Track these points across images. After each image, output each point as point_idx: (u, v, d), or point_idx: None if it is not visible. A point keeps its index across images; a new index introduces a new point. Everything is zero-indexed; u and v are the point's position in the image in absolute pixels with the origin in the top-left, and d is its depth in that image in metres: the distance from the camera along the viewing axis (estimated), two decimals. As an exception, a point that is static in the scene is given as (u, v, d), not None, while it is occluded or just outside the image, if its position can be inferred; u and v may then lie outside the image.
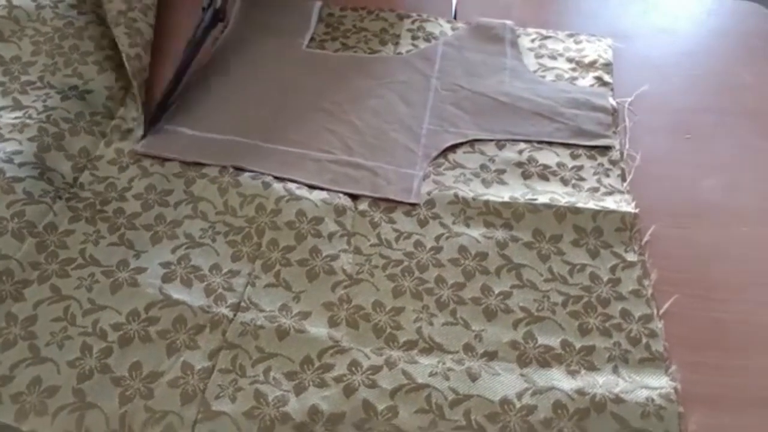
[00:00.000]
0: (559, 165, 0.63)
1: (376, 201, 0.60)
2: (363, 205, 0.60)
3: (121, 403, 0.47)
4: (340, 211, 0.59)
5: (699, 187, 0.62)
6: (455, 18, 0.82)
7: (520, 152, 0.64)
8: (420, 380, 0.49)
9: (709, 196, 0.62)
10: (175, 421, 0.46)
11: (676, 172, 0.63)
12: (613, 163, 0.64)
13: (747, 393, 0.49)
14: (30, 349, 0.49)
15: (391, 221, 0.58)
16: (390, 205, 0.60)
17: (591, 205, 0.59)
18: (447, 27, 0.79)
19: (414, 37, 0.77)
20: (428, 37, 0.77)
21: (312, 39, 0.78)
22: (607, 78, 0.72)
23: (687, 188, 0.62)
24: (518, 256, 0.56)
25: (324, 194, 0.60)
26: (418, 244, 0.57)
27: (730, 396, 0.49)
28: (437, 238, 0.57)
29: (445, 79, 0.72)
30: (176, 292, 0.53)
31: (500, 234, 0.58)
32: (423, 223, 0.58)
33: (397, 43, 0.77)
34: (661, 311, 0.53)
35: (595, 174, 0.63)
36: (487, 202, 0.60)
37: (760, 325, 0.52)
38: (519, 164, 0.63)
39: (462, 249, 0.57)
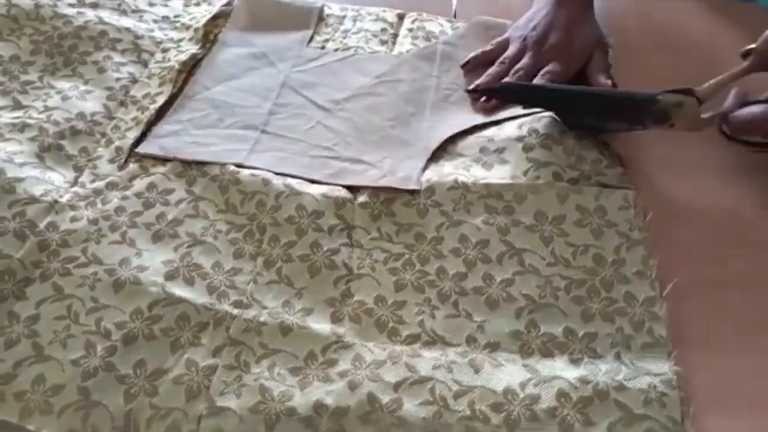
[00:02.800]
0: (562, 132, 0.63)
1: (375, 192, 0.60)
2: (363, 197, 0.59)
3: (126, 401, 0.47)
4: (339, 204, 0.58)
5: (699, 186, 0.62)
6: (455, 17, 0.81)
7: (520, 126, 0.64)
8: (424, 373, 0.48)
9: (709, 195, 0.61)
10: (180, 418, 0.46)
11: (676, 172, 0.63)
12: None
13: (747, 394, 0.49)
14: (33, 347, 0.49)
15: (391, 214, 0.58)
16: (389, 195, 0.59)
17: (593, 182, 0.59)
18: (447, 26, 0.79)
19: (414, 37, 0.77)
20: (428, 36, 0.77)
21: (312, 38, 0.77)
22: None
23: (687, 188, 0.62)
24: (520, 241, 0.56)
25: (324, 188, 0.60)
26: (418, 236, 0.57)
27: (730, 397, 0.48)
28: (437, 228, 0.57)
29: (445, 78, 0.72)
30: (179, 290, 0.52)
31: (501, 219, 0.57)
32: (423, 213, 0.58)
33: (396, 43, 0.77)
34: (661, 310, 0.52)
35: (596, 145, 0.63)
36: (487, 185, 0.59)
37: (761, 326, 0.52)
38: (519, 138, 0.63)
39: (463, 238, 0.56)
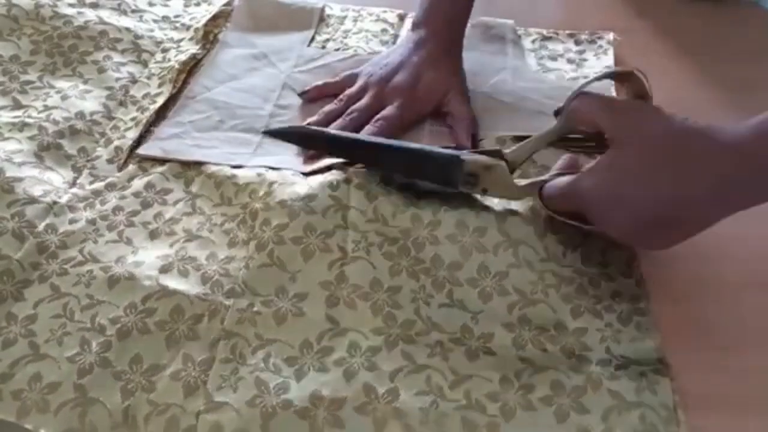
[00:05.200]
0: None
1: (372, 174, 0.57)
2: (358, 179, 0.57)
3: (124, 398, 0.45)
4: (334, 186, 0.56)
5: None
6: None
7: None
8: (419, 361, 0.47)
9: None
10: (178, 413, 0.45)
11: None
12: None
13: (747, 393, 0.47)
14: (30, 346, 0.48)
15: (387, 193, 0.56)
16: (387, 178, 0.57)
17: None
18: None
19: None
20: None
21: (313, 38, 0.76)
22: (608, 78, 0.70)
23: None
24: (516, 231, 0.54)
25: (319, 177, 0.57)
26: (415, 218, 0.54)
27: (730, 396, 0.47)
28: (435, 212, 0.55)
29: None
30: (173, 282, 0.51)
31: (499, 208, 0.55)
32: (421, 196, 0.56)
33: (397, 44, 0.74)
34: (659, 312, 0.51)
35: None
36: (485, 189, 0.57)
37: (760, 326, 0.51)
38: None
39: (460, 223, 0.54)
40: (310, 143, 0.60)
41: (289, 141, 0.60)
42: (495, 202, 0.56)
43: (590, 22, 0.78)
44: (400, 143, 0.58)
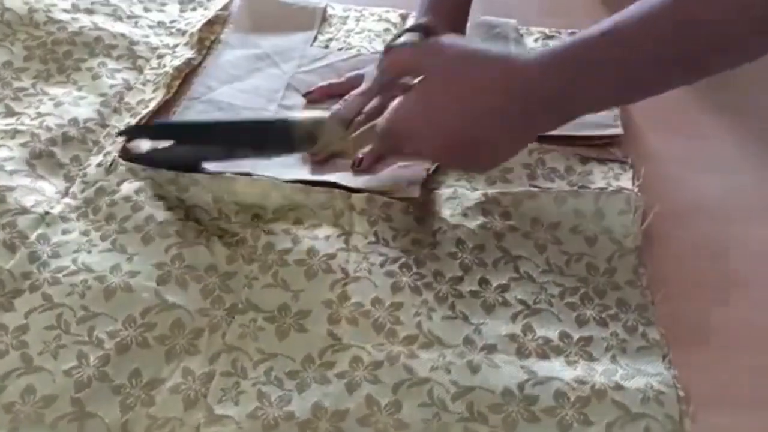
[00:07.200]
0: (568, 169, 0.60)
1: (373, 198, 0.56)
2: (361, 204, 0.56)
3: (123, 412, 0.43)
4: (338, 214, 0.55)
5: (699, 186, 0.60)
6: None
7: (530, 153, 0.61)
8: (422, 374, 0.46)
9: (709, 195, 0.59)
10: (178, 427, 0.43)
11: (676, 171, 0.61)
12: (624, 168, 0.60)
13: (746, 393, 0.47)
14: (22, 358, 0.45)
15: (388, 219, 0.55)
16: (387, 200, 0.56)
17: (594, 188, 0.57)
18: (450, 27, 0.75)
19: None
20: (431, 36, 0.74)
21: (315, 38, 0.74)
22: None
23: (687, 188, 0.60)
24: (515, 248, 0.54)
25: (322, 197, 0.56)
26: (415, 241, 0.54)
27: (730, 396, 0.46)
28: (434, 233, 0.55)
29: None
30: (172, 295, 0.49)
31: (497, 223, 0.55)
32: (420, 221, 0.56)
33: None
34: (660, 312, 0.50)
35: (604, 178, 0.59)
36: (486, 193, 0.57)
37: (760, 325, 0.50)
38: (526, 165, 0.60)
39: (459, 242, 0.54)
40: (161, 135, 0.59)
41: (142, 137, 0.59)
42: (496, 217, 0.56)
43: (591, 21, 0.77)
44: (241, 118, 0.60)
